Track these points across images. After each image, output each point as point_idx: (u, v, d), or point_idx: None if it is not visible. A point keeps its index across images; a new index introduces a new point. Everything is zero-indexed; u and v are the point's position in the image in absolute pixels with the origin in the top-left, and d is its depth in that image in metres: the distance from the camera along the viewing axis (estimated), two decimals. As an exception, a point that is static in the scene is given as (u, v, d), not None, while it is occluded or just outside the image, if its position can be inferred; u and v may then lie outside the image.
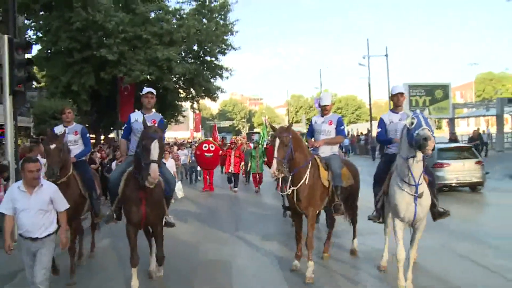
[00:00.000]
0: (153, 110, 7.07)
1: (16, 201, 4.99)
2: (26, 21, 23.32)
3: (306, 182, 6.35)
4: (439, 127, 61.09)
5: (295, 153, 6.19)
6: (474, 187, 14.74)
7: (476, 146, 20.47)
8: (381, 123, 6.82)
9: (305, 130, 57.64)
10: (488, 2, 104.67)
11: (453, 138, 22.49)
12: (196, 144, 21.29)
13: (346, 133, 37.24)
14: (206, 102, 38.45)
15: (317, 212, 7.25)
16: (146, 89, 6.85)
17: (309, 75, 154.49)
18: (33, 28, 23.68)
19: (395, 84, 9.95)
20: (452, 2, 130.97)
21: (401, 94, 6.73)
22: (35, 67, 28.86)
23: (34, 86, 31.27)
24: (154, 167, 5.14)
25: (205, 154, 16.73)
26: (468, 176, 14.14)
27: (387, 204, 6.34)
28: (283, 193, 6.67)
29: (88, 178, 7.24)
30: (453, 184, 14.16)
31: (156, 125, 6.17)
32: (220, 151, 17.22)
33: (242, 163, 17.70)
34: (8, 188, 5.35)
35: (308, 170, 6.38)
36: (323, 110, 7.25)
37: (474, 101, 61.62)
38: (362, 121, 72.65)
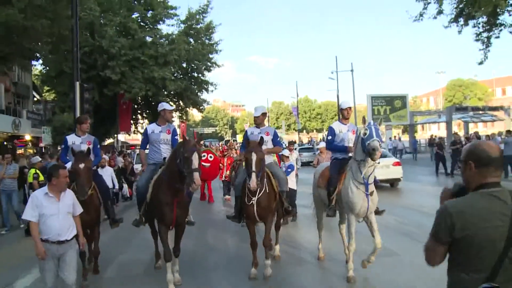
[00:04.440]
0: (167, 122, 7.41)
1: (44, 207, 4.99)
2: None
3: (266, 191, 6.49)
4: (415, 131, 64.79)
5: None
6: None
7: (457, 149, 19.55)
8: (331, 132, 7.12)
9: (285, 136, 61.28)
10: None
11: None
12: None
13: (321, 138, 40.32)
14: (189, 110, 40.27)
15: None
16: (169, 106, 7.37)
17: (288, 82, 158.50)
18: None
19: (345, 99, 10.59)
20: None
21: (350, 108, 7.18)
22: (39, 83, 32.42)
23: (37, 99, 34.64)
24: (196, 175, 5.55)
25: (203, 163, 14.33)
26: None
27: (338, 203, 6.72)
28: (249, 203, 6.43)
29: (104, 187, 7.45)
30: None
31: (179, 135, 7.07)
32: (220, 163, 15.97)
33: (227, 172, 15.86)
34: (31, 196, 5.26)
35: (265, 180, 6.46)
36: (256, 121, 7.27)
37: (444, 106, 65.65)
38: None
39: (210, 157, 15.37)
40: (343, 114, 7.15)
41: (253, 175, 5.95)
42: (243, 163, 6.85)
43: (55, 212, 5.00)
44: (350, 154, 6.70)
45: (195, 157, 5.60)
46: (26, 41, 11.79)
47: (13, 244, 9.97)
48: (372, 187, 6.22)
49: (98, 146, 7.76)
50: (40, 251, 4.89)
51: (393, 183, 16.86)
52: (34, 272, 6.69)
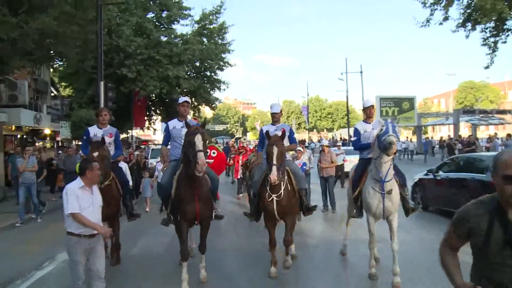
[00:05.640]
0: (188, 116, 7.33)
1: (81, 200, 4.94)
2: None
3: (288, 189, 6.43)
4: (426, 132, 65.17)
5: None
6: None
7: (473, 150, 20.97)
8: (356, 133, 7.17)
9: (295, 135, 61.63)
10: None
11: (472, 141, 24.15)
12: None
13: (338, 137, 41.29)
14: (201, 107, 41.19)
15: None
16: (182, 98, 7.19)
17: (299, 82, 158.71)
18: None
19: (367, 98, 11.02)
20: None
21: (372, 106, 7.19)
22: (57, 79, 33.58)
23: (54, 94, 35.76)
24: (200, 155, 5.40)
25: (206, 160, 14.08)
26: None
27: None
28: (269, 199, 6.35)
29: (124, 180, 7.46)
30: None
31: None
32: (230, 159, 16.16)
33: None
34: (67, 189, 5.07)
35: (286, 177, 6.41)
36: (273, 118, 7.27)
37: (454, 108, 65.84)
38: (352, 126, 69.98)
39: (213, 153, 14.57)
40: (366, 113, 7.21)
41: (274, 168, 5.92)
42: (261, 160, 6.94)
43: (89, 205, 5.01)
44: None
45: (198, 139, 5.52)
46: (57, 45, 12.86)
47: (51, 224, 11.00)
48: (390, 185, 6.16)
49: (120, 139, 7.82)
50: (104, 231, 5.09)
51: None
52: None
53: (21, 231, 10.88)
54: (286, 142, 6.76)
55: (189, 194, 5.94)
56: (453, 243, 2.63)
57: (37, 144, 26.87)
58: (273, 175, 5.87)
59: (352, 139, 7.40)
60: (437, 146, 33.82)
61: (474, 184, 9.89)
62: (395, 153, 5.87)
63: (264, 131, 6.75)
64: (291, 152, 8.21)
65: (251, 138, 60.60)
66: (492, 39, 21.37)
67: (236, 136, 69.72)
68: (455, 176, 10.93)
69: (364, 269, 6.91)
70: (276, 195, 6.28)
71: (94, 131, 7.19)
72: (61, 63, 27.38)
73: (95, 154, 6.17)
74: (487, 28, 21.29)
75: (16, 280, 6.70)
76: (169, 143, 7.09)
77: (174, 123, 6.95)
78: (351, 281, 6.64)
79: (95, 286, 5.07)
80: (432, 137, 35.17)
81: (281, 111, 7.42)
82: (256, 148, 8.68)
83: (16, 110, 20.65)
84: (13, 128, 22.39)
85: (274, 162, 5.93)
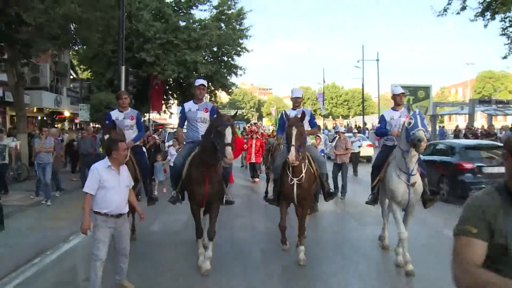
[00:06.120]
0: (204, 100, 7.16)
1: (106, 181, 4.92)
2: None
3: (310, 172, 6.46)
4: (442, 121, 64.65)
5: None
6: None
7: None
8: (382, 120, 7.21)
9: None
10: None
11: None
12: None
13: (353, 125, 41.68)
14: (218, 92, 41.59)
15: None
16: (199, 81, 7.06)
17: (315, 68, 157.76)
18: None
19: (396, 84, 10.69)
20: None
21: (403, 94, 7.24)
22: (76, 62, 34.12)
23: (73, 77, 36.39)
24: (228, 149, 5.40)
25: None
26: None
27: (382, 190, 6.80)
28: (291, 183, 6.34)
29: (144, 163, 7.53)
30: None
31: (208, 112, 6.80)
32: (245, 145, 15.42)
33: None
34: (92, 168, 5.07)
35: (307, 161, 6.44)
36: (295, 103, 7.29)
37: (472, 97, 65.10)
38: (368, 113, 68.93)
39: None
40: (395, 100, 7.16)
41: (293, 149, 5.85)
42: (281, 146, 6.98)
43: (115, 185, 4.98)
44: (396, 142, 6.66)
45: (228, 132, 5.49)
46: (81, 30, 13.37)
47: (74, 202, 11.29)
48: (415, 178, 6.12)
49: (141, 121, 7.82)
50: (86, 227, 4.91)
51: (368, 159, 21.92)
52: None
53: (46, 208, 11.40)
54: (306, 127, 6.75)
55: (199, 175, 5.98)
56: (477, 253, 1.95)
57: (56, 126, 27.60)
58: (291, 155, 5.82)
59: (377, 125, 7.49)
60: (452, 135, 33.86)
61: (442, 165, 12.46)
62: (425, 149, 5.80)
63: (284, 114, 6.75)
64: (311, 140, 8.36)
65: (266, 124, 60.92)
66: (511, 29, 21.14)
67: (253, 121, 69.85)
68: (429, 158, 12.80)
69: (370, 251, 7.35)
70: (297, 178, 6.29)
71: (116, 115, 7.31)
72: (83, 46, 27.95)
73: (106, 137, 6.29)
74: (506, 18, 21.07)
75: (46, 251, 7.26)
76: (185, 125, 7.20)
77: (190, 106, 6.96)
78: (358, 261, 6.95)
79: (121, 262, 5.26)
80: (444, 127, 34.92)
81: (302, 96, 7.46)
82: (275, 133, 8.74)
83: (38, 92, 21.28)
84: (35, 110, 23.06)
85: (293, 143, 5.90)
